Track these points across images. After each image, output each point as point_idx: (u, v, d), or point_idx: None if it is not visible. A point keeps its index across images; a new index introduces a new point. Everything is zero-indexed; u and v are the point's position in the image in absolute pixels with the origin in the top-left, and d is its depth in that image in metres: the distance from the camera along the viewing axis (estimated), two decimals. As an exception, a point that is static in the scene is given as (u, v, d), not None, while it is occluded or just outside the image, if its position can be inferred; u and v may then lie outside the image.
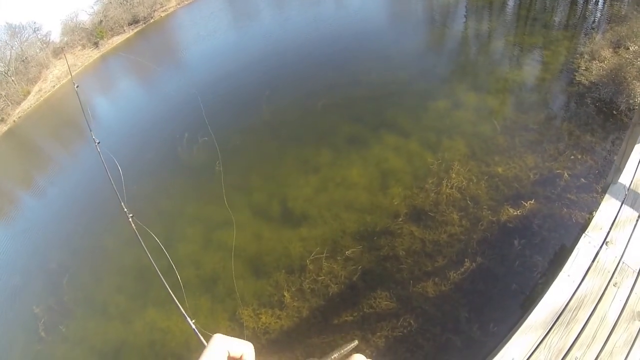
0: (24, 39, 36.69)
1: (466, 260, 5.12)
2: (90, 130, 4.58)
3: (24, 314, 7.22)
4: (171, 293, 2.96)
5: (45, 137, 20.11)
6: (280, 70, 12.60)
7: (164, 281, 3.10)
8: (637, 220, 4.50)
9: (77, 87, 5.02)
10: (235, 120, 10.21)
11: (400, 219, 5.93)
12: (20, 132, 24.23)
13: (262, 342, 5.08)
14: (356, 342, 0.90)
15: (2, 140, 24.54)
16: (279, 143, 8.64)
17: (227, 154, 8.60)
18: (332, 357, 0.84)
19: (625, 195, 4.77)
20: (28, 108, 27.73)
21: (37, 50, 35.97)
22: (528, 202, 5.57)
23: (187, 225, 7.48)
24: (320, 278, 5.53)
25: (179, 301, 2.73)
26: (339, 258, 5.72)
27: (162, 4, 38.58)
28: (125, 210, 3.49)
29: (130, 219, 3.39)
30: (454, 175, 6.29)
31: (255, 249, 6.40)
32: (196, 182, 8.73)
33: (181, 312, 2.82)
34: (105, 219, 8.73)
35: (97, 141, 4.27)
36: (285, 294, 5.48)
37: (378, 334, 4.67)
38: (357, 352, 0.91)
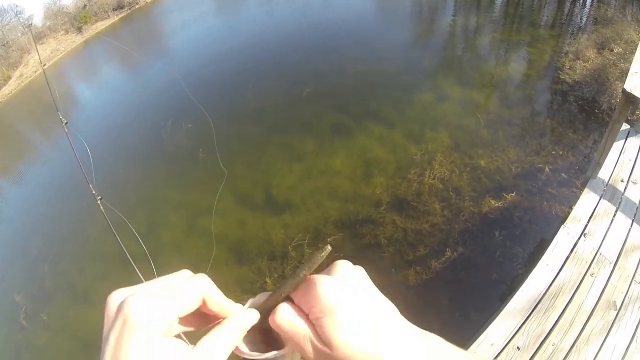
0: (5, 22, 35.87)
1: (447, 249, 5.16)
2: (58, 110, 4.50)
3: (5, 303, 7.07)
4: (141, 277, 2.95)
5: (24, 123, 19.66)
6: (266, 57, 12.48)
7: (135, 266, 3.09)
8: (615, 214, 4.59)
9: (45, 65, 4.96)
10: (220, 106, 10.10)
11: (383, 208, 5.95)
12: (-1, 117, 23.75)
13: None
14: (329, 248, 0.61)
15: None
16: (263, 130, 8.57)
17: (212, 140, 8.54)
18: (301, 275, 0.56)
19: (604, 190, 4.86)
20: (9, 93, 27.06)
21: (19, 34, 35.20)
22: (509, 195, 5.63)
23: (170, 212, 7.39)
24: (301, 265, 5.51)
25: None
26: (320, 245, 5.66)
27: (148, -11, 38.05)
28: (94, 192, 3.44)
29: (98, 201, 3.34)
30: (436, 167, 6.32)
31: (238, 236, 6.37)
32: (179, 169, 8.62)
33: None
34: (81, 203, 8.61)
35: (65, 121, 4.21)
36: (268, 280, 5.46)
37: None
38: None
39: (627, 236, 4.37)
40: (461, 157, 6.48)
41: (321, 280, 0.51)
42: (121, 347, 0.44)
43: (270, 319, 0.53)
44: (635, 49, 5.39)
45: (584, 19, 10.45)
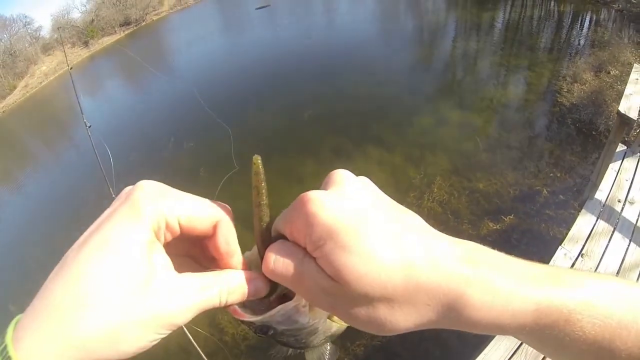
0: (14, 32, 36.35)
1: (446, 272, 5.16)
2: (82, 114, 4.53)
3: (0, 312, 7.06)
4: None
5: (30, 132, 19.77)
6: (267, 79, 12.61)
7: None
8: (612, 234, 4.60)
9: (71, 69, 5.00)
10: (221, 125, 10.22)
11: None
12: (2, 126, 23.82)
13: (242, 348, 5.06)
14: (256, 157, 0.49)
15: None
16: (263, 151, 8.57)
17: (212, 159, 8.64)
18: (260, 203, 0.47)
19: (601, 210, 4.87)
20: (13, 103, 27.24)
21: (26, 45, 35.60)
22: (508, 217, 5.65)
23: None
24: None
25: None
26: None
27: (154, 8, 38.68)
28: (114, 196, 3.47)
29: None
30: (436, 190, 6.36)
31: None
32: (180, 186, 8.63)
33: None
34: (87, 214, 8.63)
35: (89, 125, 4.24)
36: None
37: (357, 342, 4.66)
38: None
39: (624, 256, 4.38)
40: (460, 181, 6.52)
41: (312, 196, 0.41)
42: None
43: (263, 267, 0.44)
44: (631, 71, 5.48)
45: (582, 42, 10.57)
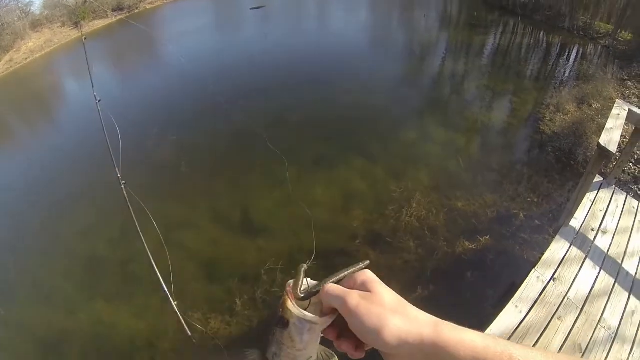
0: (4, 4, 35.40)
1: (419, 287, 5.19)
2: (93, 86, 4.43)
3: None
4: (158, 273, 2.91)
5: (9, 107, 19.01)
6: (254, 80, 12.49)
7: (153, 262, 3.04)
8: (584, 261, 4.69)
9: (85, 38, 4.87)
10: (205, 123, 10.14)
11: (358, 241, 5.98)
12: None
13: (209, 348, 5.01)
14: (367, 262, 0.90)
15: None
16: (247, 152, 8.59)
17: (194, 156, 8.58)
18: (341, 275, 0.85)
19: (575, 237, 4.96)
20: None
21: (15, 19, 34.71)
22: (484, 238, 5.72)
23: (147, 222, 7.29)
24: (273, 290, 5.50)
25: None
26: (293, 272, 5.67)
27: (150, -4, 38.16)
28: (119, 176, 3.39)
29: (122, 186, 3.29)
30: (414, 205, 6.40)
31: (211, 254, 6.33)
32: (159, 180, 8.52)
33: (167, 296, 2.78)
34: (66, 201, 8.45)
35: (99, 99, 4.16)
36: (237, 301, 5.40)
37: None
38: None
39: (594, 283, 4.47)
40: (439, 198, 6.57)
41: (376, 280, 0.77)
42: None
43: (322, 292, 0.75)
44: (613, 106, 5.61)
45: (567, 74, 10.79)
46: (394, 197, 6.66)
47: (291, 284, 0.81)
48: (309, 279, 0.84)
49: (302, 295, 0.78)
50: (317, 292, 0.77)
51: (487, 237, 5.73)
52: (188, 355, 5.05)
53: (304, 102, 10.35)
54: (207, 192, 7.53)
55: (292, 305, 0.75)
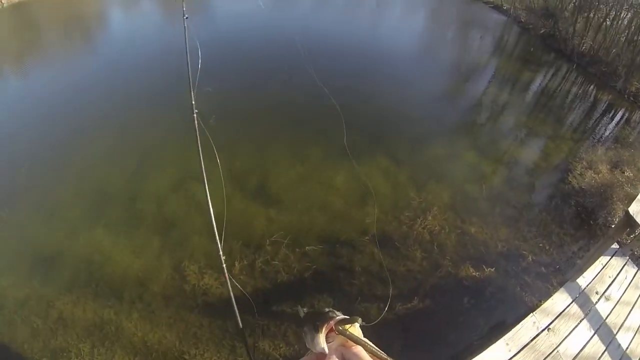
0: None
1: (415, 298, 5.24)
2: (183, 1, 4.39)
3: None
4: (212, 217, 2.90)
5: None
6: (308, 55, 12.24)
7: (209, 199, 3.03)
8: (581, 320, 4.74)
9: None
10: (244, 83, 10.08)
11: (367, 238, 6.00)
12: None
13: (198, 301, 5.06)
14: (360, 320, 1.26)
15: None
16: (279, 122, 8.58)
17: (227, 108, 8.54)
18: (377, 351, 1.11)
19: (578, 295, 5.00)
20: None
21: None
22: (488, 269, 5.75)
23: (166, 163, 7.34)
24: (274, 262, 5.55)
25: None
26: (297, 250, 5.74)
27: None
28: (193, 102, 3.36)
29: (195, 115, 3.26)
30: (430, 218, 6.42)
31: (220, 210, 6.34)
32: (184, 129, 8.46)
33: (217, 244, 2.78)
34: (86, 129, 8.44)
35: (186, 16, 4.13)
36: (236, 264, 5.47)
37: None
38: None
39: (585, 344, 4.52)
40: (455, 218, 6.59)
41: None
42: None
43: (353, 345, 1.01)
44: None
45: (607, 134, 10.68)
46: (412, 205, 6.69)
47: (339, 318, 1.05)
48: (358, 323, 1.06)
49: (340, 329, 1.02)
50: (351, 339, 0.96)
51: (492, 270, 5.76)
52: (176, 302, 5.11)
53: (346, 89, 10.21)
54: (229, 148, 7.49)
55: (321, 335, 1.11)
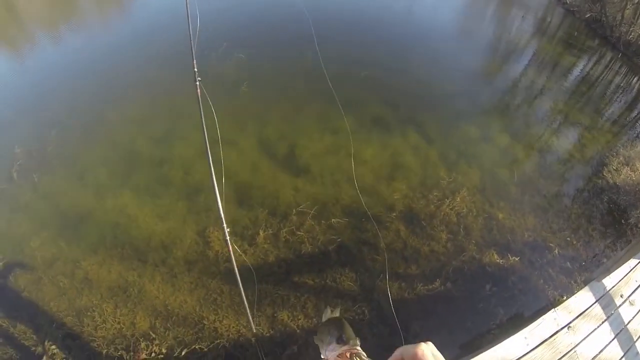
0: None
1: (437, 280, 5.21)
2: None
3: (4, 150, 6.78)
4: (214, 182, 2.85)
5: None
6: (333, 24, 11.98)
7: (211, 165, 2.98)
8: (602, 323, 4.68)
9: None
10: (276, 52, 9.89)
11: (394, 214, 5.95)
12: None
13: (220, 268, 5.08)
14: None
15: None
16: (309, 91, 8.41)
17: (257, 79, 8.45)
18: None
19: (602, 296, 4.93)
20: None
21: None
22: (513, 258, 5.68)
23: (191, 129, 7.27)
24: (299, 233, 5.53)
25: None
26: (323, 222, 5.71)
27: None
28: (196, 70, 3.28)
29: (197, 83, 3.18)
30: (458, 200, 6.32)
31: (248, 178, 6.31)
32: (214, 93, 8.32)
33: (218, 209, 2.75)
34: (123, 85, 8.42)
35: None
36: (261, 232, 5.45)
37: (330, 309, 4.72)
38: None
39: (604, 348, 4.48)
40: (483, 202, 6.50)
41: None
42: None
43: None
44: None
45: (649, 130, 10.37)
46: (441, 185, 6.58)
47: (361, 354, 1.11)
48: None
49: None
50: None
51: (517, 259, 5.69)
52: (198, 267, 5.15)
53: (378, 61, 10.01)
54: (259, 118, 7.42)
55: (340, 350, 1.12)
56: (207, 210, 5.78)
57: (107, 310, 4.72)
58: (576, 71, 12.76)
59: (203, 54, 9.06)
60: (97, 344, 4.48)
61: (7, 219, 5.80)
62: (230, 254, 2.57)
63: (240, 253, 2.72)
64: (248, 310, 2.54)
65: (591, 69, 13.28)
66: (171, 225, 5.59)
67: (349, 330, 1.22)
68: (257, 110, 7.47)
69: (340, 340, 1.17)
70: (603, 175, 7.72)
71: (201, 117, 3.00)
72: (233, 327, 4.59)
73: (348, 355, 1.12)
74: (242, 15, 11.73)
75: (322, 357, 1.32)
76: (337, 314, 1.49)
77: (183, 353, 4.38)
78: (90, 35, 11.03)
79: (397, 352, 0.84)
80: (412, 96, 8.94)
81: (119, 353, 4.40)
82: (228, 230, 2.73)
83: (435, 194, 6.40)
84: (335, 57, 9.44)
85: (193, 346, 4.43)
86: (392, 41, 11.66)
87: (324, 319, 1.69)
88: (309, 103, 8.00)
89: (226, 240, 2.64)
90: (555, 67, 12.91)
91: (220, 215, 2.69)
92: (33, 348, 4.45)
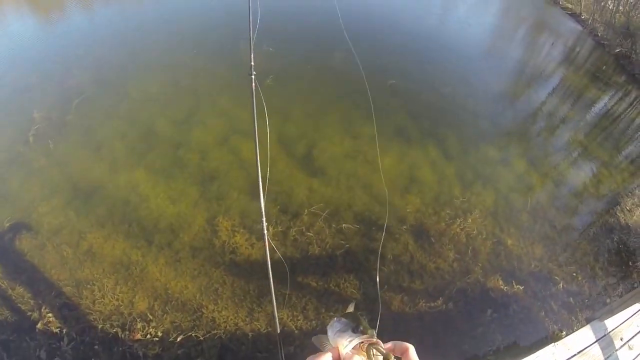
0: None
1: (440, 299, 5.18)
2: None
3: (24, 113, 6.85)
4: (259, 174, 2.80)
5: None
6: (364, 30, 11.92)
7: (258, 158, 2.91)
8: (601, 362, 4.65)
9: None
10: (304, 50, 9.85)
11: (404, 227, 5.93)
12: None
13: (225, 258, 5.10)
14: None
15: None
16: (334, 93, 8.41)
17: (283, 73, 8.41)
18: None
19: (603, 337, 4.89)
20: None
21: None
22: (517, 286, 5.64)
23: (216, 116, 7.31)
24: (308, 233, 5.53)
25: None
26: (333, 226, 5.71)
27: None
28: (252, 64, 3.24)
29: (252, 77, 3.14)
30: (469, 220, 6.29)
31: (262, 172, 6.29)
32: (241, 86, 8.28)
33: (260, 203, 2.70)
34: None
35: None
36: (270, 228, 5.45)
37: (330, 312, 4.73)
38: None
39: (597, 390, 4.45)
40: (493, 225, 6.45)
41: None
42: None
43: None
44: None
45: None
46: (454, 203, 6.55)
47: (380, 345, 1.10)
48: None
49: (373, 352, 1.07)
50: None
51: (521, 288, 5.65)
52: (203, 255, 5.16)
53: (405, 72, 9.98)
54: (281, 113, 7.39)
55: (358, 339, 1.09)
56: (219, 198, 5.78)
57: (107, 286, 4.74)
58: (600, 105, 12.63)
59: (230, 41, 9.15)
60: (94, 318, 4.49)
61: (19, 181, 5.83)
62: (265, 249, 2.54)
63: (276, 249, 2.69)
64: (275, 308, 2.52)
65: (615, 104, 13.14)
66: (181, 209, 5.60)
67: (365, 322, 1.18)
68: (280, 105, 7.44)
69: (357, 330, 1.13)
70: (615, 214, 7.65)
71: (253, 112, 2.94)
72: (231, 319, 4.58)
73: (364, 347, 1.09)
74: (276, 10, 11.71)
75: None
76: (351, 309, 1.44)
77: (178, 339, 4.38)
78: (124, 9, 11.06)
79: (390, 344, 1.02)
80: (436, 110, 8.90)
81: (115, 330, 4.41)
82: (265, 224, 2.69)
83: (447, 211, 6.37)
84: (362, 62, 9.39)
85: (189, 333, 4.43)
86: (421, 53, 11.62)
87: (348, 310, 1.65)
88: (332, 105, 7.99)
89: (264, 234, 2.60)
90: (579, 98, 12.80)
91: (261, 210, 2.65)
92: (29, 313, 4.47)
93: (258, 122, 2.95)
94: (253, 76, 3.16)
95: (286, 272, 5.03)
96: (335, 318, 1.23)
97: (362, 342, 1.09)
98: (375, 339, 1.09)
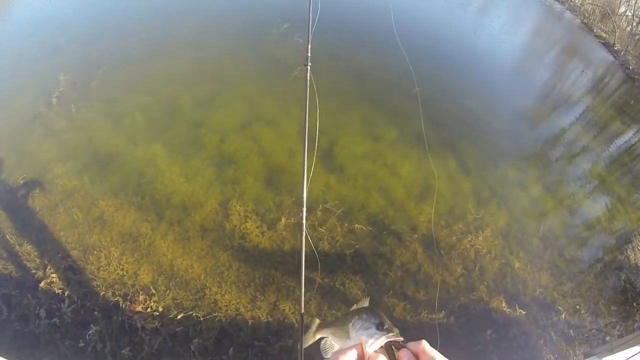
0: None
1: (443, 311, 5.16)
2: None
3: (50, 75, 6.90)
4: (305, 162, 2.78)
5: None
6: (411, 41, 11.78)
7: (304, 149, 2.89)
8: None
9: None
10: (334, 45, 9.77)
11: (415, 235, 5.89)
12: None
13: (234, 243, 5.09)
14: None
15: None
16: (363, 93, 8.41)
17: (319, 70, 8.30)
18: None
19: (600, 374, 4.85)
20: None
21: None
22: (519, 310, 5.60)
23: (241, 100, 7.31)
24: (320, 229, 5.51)
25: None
26: (345, 225, 5.68)
27: None
28: (309, 55, 3.22)
29: (308, 67, 3.12)
30: (480, 238, 6.24)
31: (282, 162, 6.29)
32: (269, 74, 8.38)
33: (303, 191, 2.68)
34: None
35: None
36: (283, 219, 5.45)
37: (332, 311, 4.71)
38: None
39: None
40: (503, 246, 6.41)
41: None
42: None
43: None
44: None
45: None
46: (467, 219, 6.50)
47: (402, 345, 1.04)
48: None
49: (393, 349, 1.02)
50: None
51: (523, 312, 5.60)
52: (212, 236, 5.16)
53: (432, 81, 9.84)
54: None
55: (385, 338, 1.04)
56: (234, 182, 5.77)
57: (113, 254, 4.74)
58: (623, 139, 12.52)
59: (262, 29, 9.13)
60: (97, 284, 4.50)
61: (38, 141, 5.86)
62: (302, 239, 2.54)
63: (312, 244, 2.68)
64: (303, 294, 2.51)
65: (638, 141, 13.02)
66: (195, 189, 5.59)
67: (387, 320, 1.12)
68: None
69: (381, 327, 1.07)
70: (626, 252, 7.56)
71: (305, 100, 2.93)
72: (233, 304, 4.58)
73: (385, 347, 1.03)
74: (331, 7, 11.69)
75: (325, 356, 1.28)
76: (366, 303, 1.35)
77: (179, 317, 4.38)
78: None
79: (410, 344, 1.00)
80: (459, 122, 8.86)
81: (116, 299, 4.42)
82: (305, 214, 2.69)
83: (459, 226, 6.33)
84: (388, 67, 9.38)
85: (190, 312, 4.43)
86: (449, 65, 11.57)
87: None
88: (358, 104, 7.96)
89: (302, 224, 2.59)
90: (603, 129, 12.69)
91: (302, 199, 2.64)
92: (34, 271, 4.48)
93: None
94: (308, 67, 3.15)
95: (294, 265, 5.06)
96: (357, 316, 1.17)
97: (389, 341, 1.04)
98: (401, 338, 1.04)
